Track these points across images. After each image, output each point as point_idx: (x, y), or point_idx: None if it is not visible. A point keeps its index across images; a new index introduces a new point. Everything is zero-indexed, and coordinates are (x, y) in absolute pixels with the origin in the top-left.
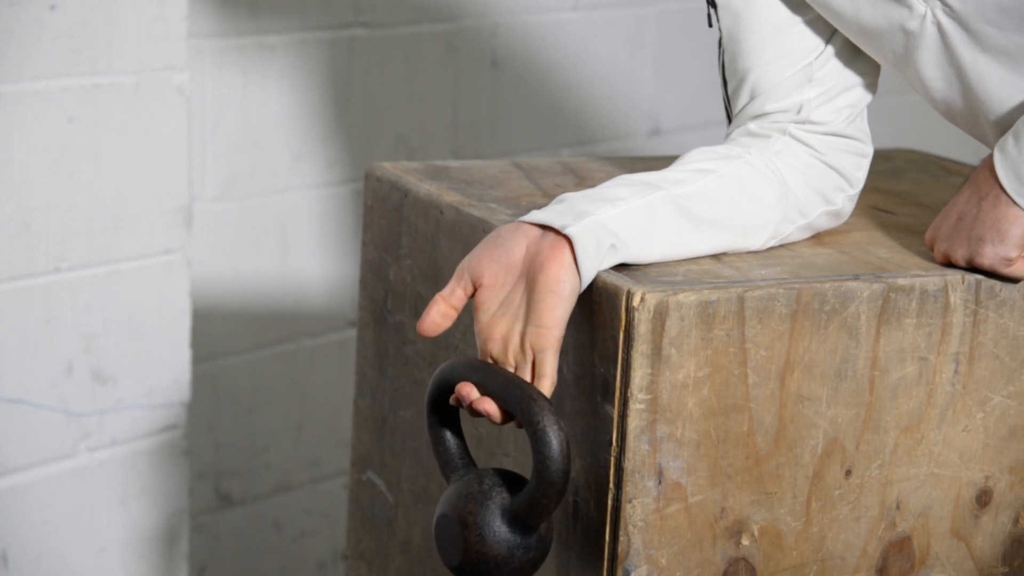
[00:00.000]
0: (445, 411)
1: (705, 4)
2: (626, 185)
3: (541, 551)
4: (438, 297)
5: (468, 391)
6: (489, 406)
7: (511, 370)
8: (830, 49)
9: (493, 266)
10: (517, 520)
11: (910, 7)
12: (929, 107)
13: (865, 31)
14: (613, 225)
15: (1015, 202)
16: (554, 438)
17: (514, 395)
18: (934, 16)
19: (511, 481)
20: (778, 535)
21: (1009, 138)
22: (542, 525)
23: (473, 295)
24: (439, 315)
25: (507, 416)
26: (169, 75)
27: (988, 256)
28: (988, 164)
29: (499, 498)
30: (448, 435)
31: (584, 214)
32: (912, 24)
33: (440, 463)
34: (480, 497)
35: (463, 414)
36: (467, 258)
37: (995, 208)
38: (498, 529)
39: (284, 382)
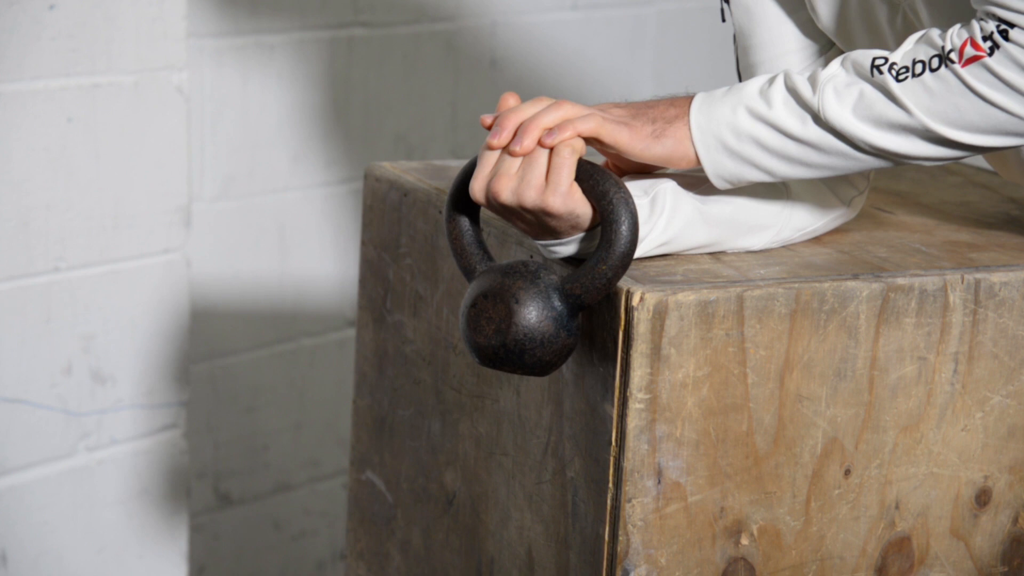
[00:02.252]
0: (466, 205)
1: (718, 2)
2: (634, 184)
3: (577, 339)
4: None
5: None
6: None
7: None
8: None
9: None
10: (568, 298)
11: (896, 4)
12: None
13: (852, 31)
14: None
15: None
16: (624, 209)
17: (584, 168)
18: (907, 13)
19: (553, 266)
20: (777, 535)
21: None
22: (579, 314)
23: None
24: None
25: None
26: (168, 75)
27: (637, 134)
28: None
29: (547, 278)
30: (469, 227)
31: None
32: (896, 20)
33: (460, 257)
34: (529, 275)
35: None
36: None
37: (677, 119)
38: (549, 304)
39: (283, 382)
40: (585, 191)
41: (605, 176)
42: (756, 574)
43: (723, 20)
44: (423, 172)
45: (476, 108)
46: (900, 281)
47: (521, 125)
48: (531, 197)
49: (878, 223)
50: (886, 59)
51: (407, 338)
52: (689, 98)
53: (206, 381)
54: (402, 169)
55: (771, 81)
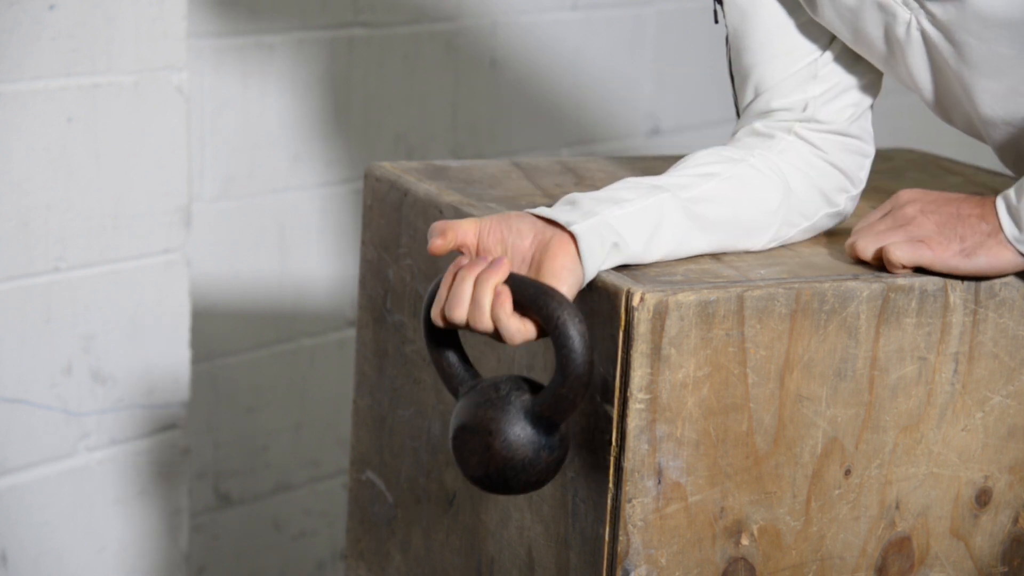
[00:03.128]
0: (443, 328)
1: (712, 1)
2: (632, 188)
3: (564, 449)
4: (449, 226)
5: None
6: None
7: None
8: (836, 46)
9: (504, 242)
10: (541, 420)
11: (894, 14)
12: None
13: (856, 35)
14: (617, 225)
15: (1014, 247)
16: (575, 330)
17: (530, 292)
18: (918, 23)
19: (526, 384)
20: (777, 535)
21: (1011, 193)
22: (561, 426)
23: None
24: (450, 242)
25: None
26: (168, 75)
27: (940, 256)
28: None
29: (519, 401)
30: (450, 348)
31: (590, 213)
32: (899, 31)
33: (445, 379)
34: (499, 402)
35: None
36: (482, 218)
37: (990, 236)
38: (523, 431)
39: (283, 382)
40: (532, 315)
41: (548, 299)
42: (756, 574)
43: (716, 22)
44: (423, 172)
45: (476, 108)
46: (900, 281)
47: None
48: (489, 330)
49: None
50: None
51: (407, 338)
52: (993, 203)
53: (206, 381)
54: (402, 169)
55: None
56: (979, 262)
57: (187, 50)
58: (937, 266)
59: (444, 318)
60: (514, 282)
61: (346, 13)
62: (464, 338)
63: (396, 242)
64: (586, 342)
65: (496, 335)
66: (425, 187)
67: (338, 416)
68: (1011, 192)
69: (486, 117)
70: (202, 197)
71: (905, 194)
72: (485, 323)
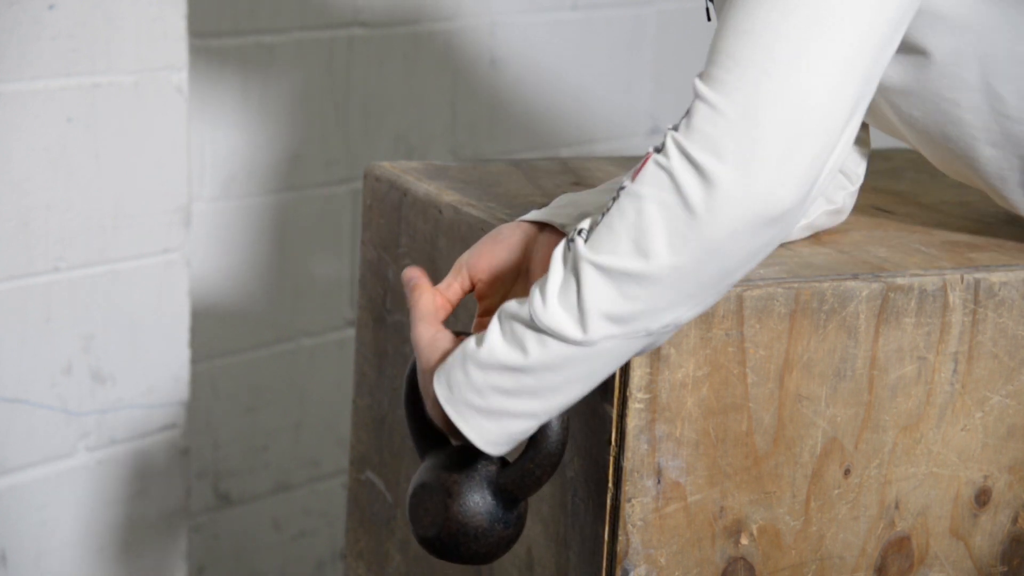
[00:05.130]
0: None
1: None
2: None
3: (518, 528)
4: (435, 289)
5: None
6: None
7: None
8: None
9: (493, 261)
10: (502, 493)
11: None
12: None
13: None
14: None
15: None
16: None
17: None
18: None
19: (494, 456)
20: (777, 534)
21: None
22: (521, 504)
23: (472, 290)
24: (432, 305)
25: None
26: (168, 75)
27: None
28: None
29: (485, 469)
30: (426, 412)
31: (584, 215)
32: None
33: (415, 439)
34: (464, 467)
35: None
36: (466, 254)
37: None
38: (482, 500)
39: (283, 381)
40: None
41: None
42: (756, 574)
43: (708, 19)
44: (423, 172)
45: (476, 108)
46: (900, 281)
47: None
48: None
49: (878, 223)
50: (580, 228)
51: (407, 338)
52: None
53: (206, 381)
54: (402, 169)
55: (490, 323)
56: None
57: (187, 50)
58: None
59: None
60: None
61: (346, 13)
62: None
63: (396, 242)
64: (564, 422)
65: None
66: (425, 187)
67: (337, 416)
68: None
69: (486, 117)
70: (202, 197)
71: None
72: None
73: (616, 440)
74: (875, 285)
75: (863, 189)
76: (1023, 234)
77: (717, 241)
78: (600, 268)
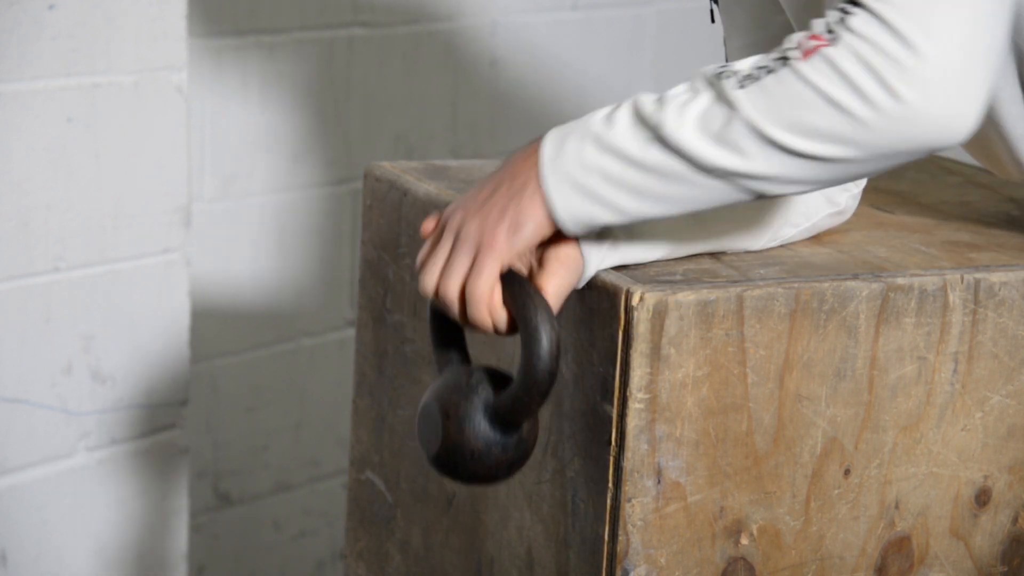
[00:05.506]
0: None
1: (708, 1)
2: None
3: (520, 452)
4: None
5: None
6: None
7: None
8: None
9: None
10: (498, 417)
11: None
12: None
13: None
14: None
15: (543, 191)
16: (545, 336)
17: (512, 289)
18: None
19: (499, 379)
20: (777, 534)
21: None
22: (525, 427)
23: None
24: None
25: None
26: (168, 75)
27: (496, 255)
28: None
29: (484, 393)
30: (447, 329)
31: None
32: None
33: (436, 356)
34: (465, 390)
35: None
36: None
37: (526, 187)
38: (478, 423)
39: (283, 381)
40: (510, 310)
41: (527, 299)
42: (756, 574)
43: (712, 21)
44: (423, 172)
45: (476, 108)
46: (900, 281)
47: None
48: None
49: (878, 223)
50: (728, 67)
51: (407, 338)
52: (535, 146)
53: (206, 381)
54: (402, 169)
55: (619, 104)
56: (527, 230)
57: (187, 50)
58: (505, 261)
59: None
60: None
61: (345, 13)
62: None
63: (396, 242)
64: (553, 349)
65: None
66: (425, 187)
67: (337, 416)
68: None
69: (486, 117)
70: (202, 197)
71: (448, 209)
72: (452, 295)
73: (616, 440)
74: (875, 285)
75: (863, 189)
76: (1023, 234)
77: (873, 149)
78: (748, 122)
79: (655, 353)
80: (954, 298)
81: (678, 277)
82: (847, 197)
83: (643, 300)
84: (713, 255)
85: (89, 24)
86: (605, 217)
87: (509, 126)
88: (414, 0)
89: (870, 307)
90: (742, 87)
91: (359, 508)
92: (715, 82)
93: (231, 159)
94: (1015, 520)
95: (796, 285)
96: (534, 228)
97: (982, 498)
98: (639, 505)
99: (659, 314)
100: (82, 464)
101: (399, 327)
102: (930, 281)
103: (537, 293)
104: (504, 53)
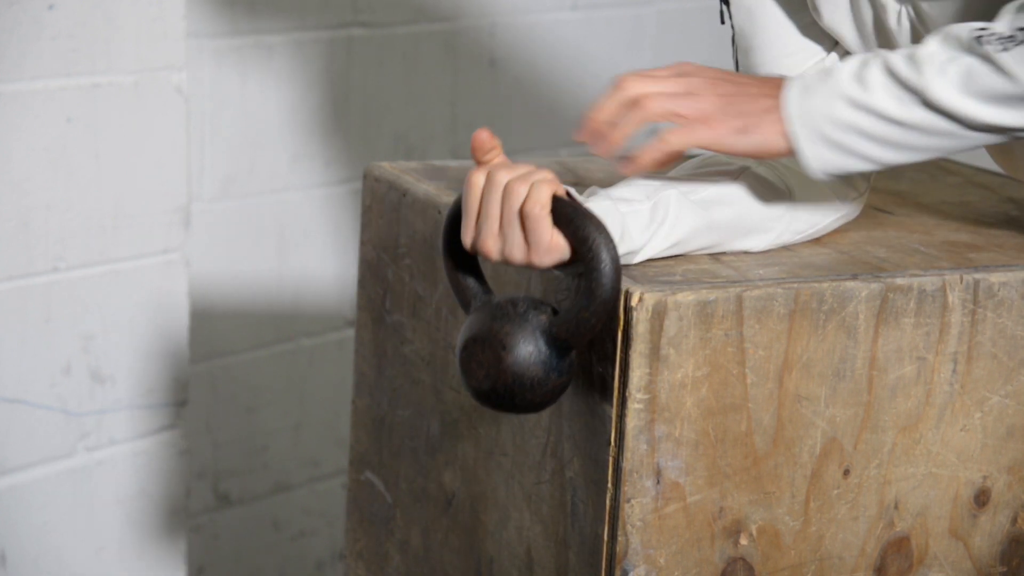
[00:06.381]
0: (460, 241)
1: (718, 2)
2: (638, 186)
3: (571, 375)
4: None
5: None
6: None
7: None
8: (840, 47)
9: None
10: (555, 341)
11: (884, 6)
12: None
13: (854, 35)
14: (623, 218)
15: (785, 126)
16: (607, 254)
17: (565, 212)
18: (908, 13)
19: (543, 305)
20: (776, 535)
21: (811, 74)
22: (572, 351)
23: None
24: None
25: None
26: (168, 75)
27: (717, 133)
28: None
29: (536, 319)
30: (467, 261)
31: (604, 197)
32: (891, 22)
33: (458, 291)
34: (516, 318)
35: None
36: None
37: (767, 113)
38: (536, 349)
39: (282, 382)
40: (566, 235)
41: (585, 220)
42: (755, 574)
43: (722, 22)
44: (422, 172)
45: (475, 108)
46: (899, 281)
47: (502, 191)
48: (517, 258)
49: (877, 223)
50: (987, 29)
51: (406, 338)
52: (778, 84)
53: (205, 381)
54: (401, 169)
55: (864, 64)
56: (752, 140)
57: (186, 50)
58: (714, 146)
59: (473, 240)
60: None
61: (345, 13)
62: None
63: (395, 242)
64: (616, 269)
65: (525, 258)
66: (424, 187)
67: (337, 416)
68: (811, 73)
69: (485, 117)
70: (201, 197)
71: (689, 64)
72: (517, 240)
73: (615, 440)
74: (874, 285)
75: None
76: (1023, 234)
77: None
78: (1021, 82)
79: (654, 353)
80: (953, 298)
81: (677, 277)
82: (851, 200)
83: (642, 300)
84: (713, 255)
85: (89, 24)
86: (859, 167)
87: (509, 126)
88: (414, 0)
89: (869, 307)
90: (1006, 49)
91: (358, 508)
92: (975, 45)
93: (231, 159)
94: (1014, 520)
95: (795, 285)
96: (759, 145)
97: (981, 498)
98: (638, 505)
99: (658, 314)
100: (82, 464)
101: (398, 327)
102: (929, 281)
103: (590, 212)
104: (503, 53)
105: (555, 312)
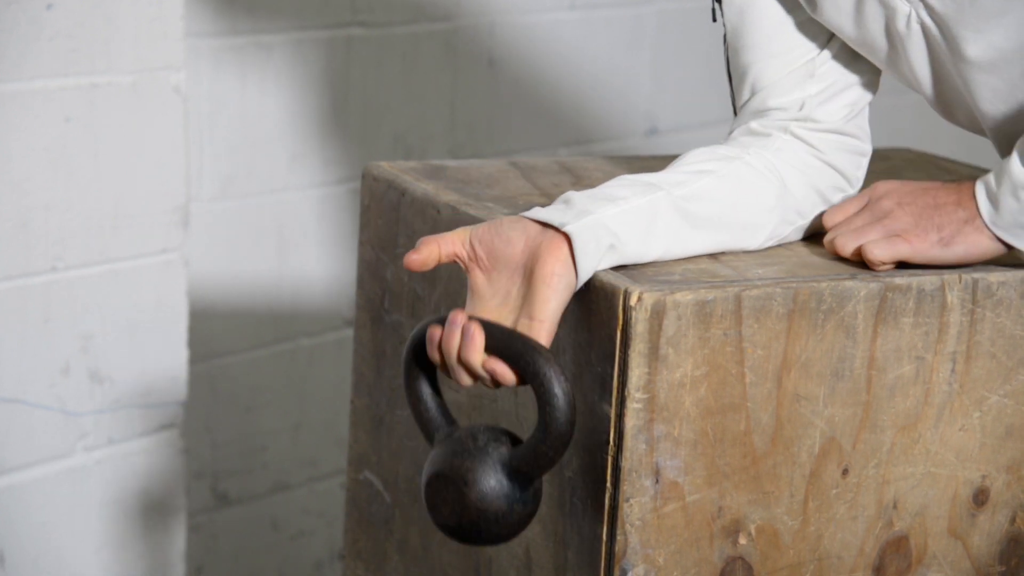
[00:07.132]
0: (424, 370)
1: (710, 0)
2: (627, 185)
3: (536, 504)
4: (434, 239)
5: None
6: (498, 365)
7: None
8: (833, 46)
9: (493, 253)
10: (516, 474)
11: (894, 8)
12: (926, 106)
13: (858, 32)
14: (613, 225)
15: (991, 231)
16: (559, 388)
17: (515, 348)
18: (918, 16)
19: (503, 436)
20: (775, 534)
21: (991, 177)
22: (536, 480)
23: (468, 274)
24: (430, 256)
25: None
26: (166, 75)
27: (918, 248)
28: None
29: (496, 452)
30: (428, 393)
31: (584, 213)
32: (899, 24)
33: (421, 423)
34: (476, 453)
35: (443, 380)
36: (474, 227)
37: (967, 223)
38: (498, 483)
39: (281, 381)
40: (516, 370)
41: (534, 354)
42: (754, 574)
43: (714, 20)
44: (421, 172)
45: (474, 108)
46: (898, 281)
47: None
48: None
49: None
50: None
51: (405, 338)
52: (970, 190)
53: (204, 381)
54: (400, 169)
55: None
56: (957, 251)
57: (185, 50)
58: (916, 259)
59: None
60: (499, 336)
61: (344, 13)
62: (443, 383)
63: (394, 242)
64: (570, 401)
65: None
66: (423, 187)
67: (336, 416)
68: (990, 177)
69: (484, 117)
70: (200, 197)
71: (881, 186)
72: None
73: (614, 440)
74: (873, 285)
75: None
76: None
77: None
78: None
79: (653, 353)
80: (952, 298)
81: (676, 277)
82: (842, 198)
83: (641, 300)
84: (711, 255)
85: (88, 24)
86: None
87: (508, 126)
88: (413, 0)
89: (868, 307)
90: None
91: (357, 508)
92: None
93: (230, 159)
94: (1013, 520)
95: (794, 285)
96: (964, 255)
97: (980, 498)
98: (637, 505)
99: (657, 314)
100: (81, 464)
101: (397, 327)
102: (928, 281)
103: (538, 344)
104: (503, 53)
105: (516, 442)
